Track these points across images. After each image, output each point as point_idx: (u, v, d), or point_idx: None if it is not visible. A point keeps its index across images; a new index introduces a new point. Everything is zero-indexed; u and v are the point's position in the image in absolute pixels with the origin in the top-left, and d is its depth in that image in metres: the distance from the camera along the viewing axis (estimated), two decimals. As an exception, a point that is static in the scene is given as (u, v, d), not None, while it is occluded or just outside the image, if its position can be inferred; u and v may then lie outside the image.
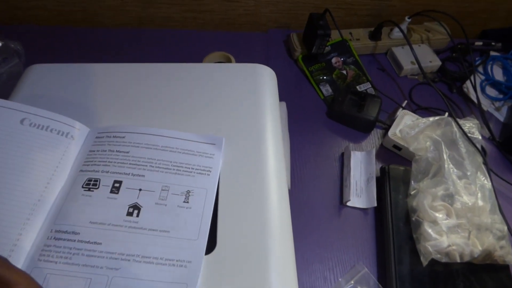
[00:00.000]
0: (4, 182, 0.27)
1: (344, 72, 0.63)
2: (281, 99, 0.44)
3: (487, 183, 0.44)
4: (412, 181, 0.46)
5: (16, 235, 0.25)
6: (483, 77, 0.64)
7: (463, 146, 0.46)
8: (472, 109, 0.61)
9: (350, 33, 0.67)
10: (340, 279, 0.42)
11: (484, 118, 0.57)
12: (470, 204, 0.41)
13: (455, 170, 0.44)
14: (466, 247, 0.39)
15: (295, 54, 0.65)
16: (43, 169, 0.28)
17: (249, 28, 0.75)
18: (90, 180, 0.28)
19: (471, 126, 0.49)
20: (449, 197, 0.42)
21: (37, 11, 0.68)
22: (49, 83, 0.35)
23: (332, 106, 0.57)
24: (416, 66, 0.62)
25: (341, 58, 0.64)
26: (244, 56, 0.66)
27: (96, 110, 0.33)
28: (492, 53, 0.67)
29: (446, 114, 0.55)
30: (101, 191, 0.28)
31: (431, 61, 0.64)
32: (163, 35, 0.69)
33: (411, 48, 0.58)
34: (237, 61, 0.60)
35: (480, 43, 0.69)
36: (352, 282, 0.41)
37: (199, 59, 0.59)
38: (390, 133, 0.52)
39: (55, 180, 0.28)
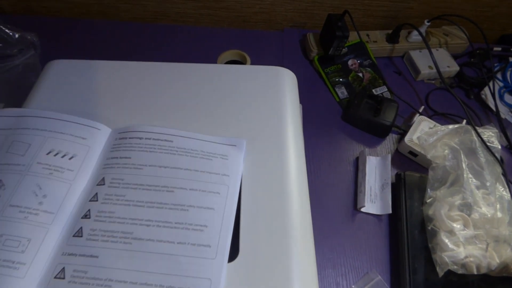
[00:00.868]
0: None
1: (361, 74, 0.62)
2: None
3: (506, 194, 0.43)
4: (429, 189, 0.45)
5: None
6: (501, 84, 0.63)
7: (482, 156, 0.45)
8: (490, 116, 0.60)
9: (367, 35, 0.66)
10: (353, 286, 0.41)
11: (502, 126, 0.56)
12: (489, 215, 0.41)
13: (474, 180, 0.44)
14: (483, 259, 0.39)
15: (311, 54, 0.64)
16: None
17: (264, 26, 0.74)
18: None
19: (490, 135, 0.48)
20: (467, 207, 0.42)
21: (54, 3, 0.68)
22: (68, 80, 0.35)
23: (347, 110, 0.57)
24: (434, 70, 0.62)
25: (357, 60, 0.63)
26: (259, 55, 0.65)
27: (116, 110, 0.33)
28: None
29: (464, 121, 0.55)
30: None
31: (449, 66, 0.63)
32: (178, 30, 0.69)
33: (430, 53, 0.57)
34: (252, 59, 0.60)
35: (499, 49, 0.68)
36: (365, 289, 0.41)
37: (213, 56, 0.59)
38: (406, 139, 0.52)
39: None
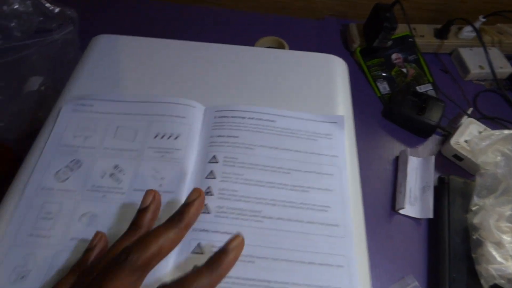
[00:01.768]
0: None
1: (405, 70, 0.59)
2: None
3: (562, 209, 0.40)
4: (475, 196, 0.42)
5: None
6: (558, 90, 0.58)
7: (538, 165, 0.42)
8: (543, 123, 0.56)
9: (414, 29, 0.62)
10: (388, 290, 0.40)
11: (557, 135, 0.52)
12: (543, 230, 0.38)
13: (528, 191, 0.41)
14: (534, 275, 0.36)
15: (352, 46, 0.61)
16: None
17: (303, 14, 0.71)
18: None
19: (547, 143, 0.45)
20: (518, 219, 0.39)
21: (93, -21, 0.68)
22: (115, 55, 0.34)
23: (389, 106, 0.54)
24: (484, 70, 0.58)
25: (402, 55, 0.60)
26: (297, 42, 0.63)
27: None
28: None
29: (516, 127, 0.51)
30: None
31: (502, 67, 0.59)
32: (215, 14, 0.67)
33: (486, 52, 0.54)
34: (290, 47, 0.58)
35: (558, 52, 0.63)
36: (400, 294, 0.39)
37: (250, 41, 0.57)
38: (452, 141, 0.49)
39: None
